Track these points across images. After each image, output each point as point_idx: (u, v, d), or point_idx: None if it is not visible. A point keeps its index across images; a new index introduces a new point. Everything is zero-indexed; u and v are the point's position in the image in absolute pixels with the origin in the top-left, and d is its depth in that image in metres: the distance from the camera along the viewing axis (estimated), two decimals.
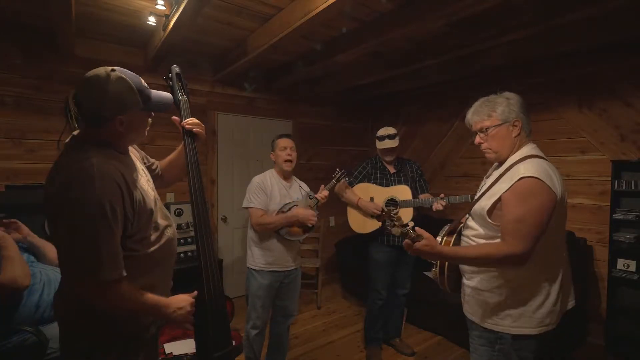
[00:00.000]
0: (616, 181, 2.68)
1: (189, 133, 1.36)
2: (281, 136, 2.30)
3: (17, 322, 1.55)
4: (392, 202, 2.59)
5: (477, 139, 1.39)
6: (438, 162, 4.14)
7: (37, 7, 2.32)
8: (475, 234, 1.37)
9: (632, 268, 2.60)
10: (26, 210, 2.31)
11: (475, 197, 1.43)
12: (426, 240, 1.23)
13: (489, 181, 1.40)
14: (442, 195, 2.41)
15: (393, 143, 2.61)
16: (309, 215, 2.18)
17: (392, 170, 2.71)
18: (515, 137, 1.33)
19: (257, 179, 2.24)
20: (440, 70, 3.23)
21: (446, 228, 1.55)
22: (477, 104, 1.41)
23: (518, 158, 1.29)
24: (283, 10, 2.25)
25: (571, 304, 1.37)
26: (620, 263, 2.65)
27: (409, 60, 2.96)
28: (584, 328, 2.91)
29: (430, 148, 4.21)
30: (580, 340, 2.88)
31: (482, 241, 1.33)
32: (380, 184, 2.67)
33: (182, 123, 1.37)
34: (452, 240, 1.47)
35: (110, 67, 1.05)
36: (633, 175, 2.66)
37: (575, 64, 2.98)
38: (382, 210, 2.59)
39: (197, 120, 1.39)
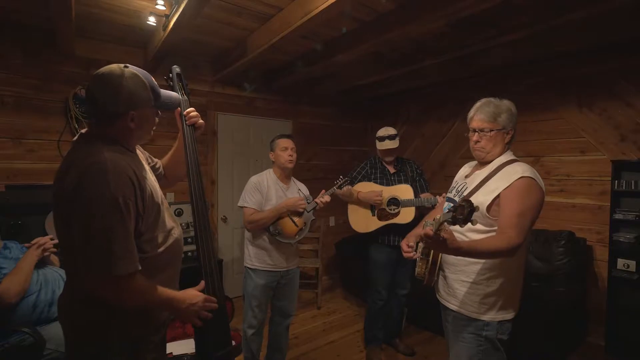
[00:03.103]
0: (616, 181, 2.68)
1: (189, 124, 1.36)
2: (282, 136, 2.28)
3: (14, 322, 1.55)
4: (393, 201, 2.59)
5: (475, 137, 1.49)
6: (438, 162, 4.14)
7: (37, 7, 2.32)
8: (467, 227, 1.37)
9: (632, 268, 2.60)
10: (26, 210, 2.32)
11: (456, 196, 1.53)
12: (448, 234, 1.22)
13: (473, 180, 1.51)
14: (443, 194, 2.41)
15: (393, 144, 2.61)
16: (296, 200, 2.16)
17: (392, 170, 2.70)
18: (506, 143, 1.48)
19: (254, 179, 2.24)
20: (440, 70, 3.23)
21: (429, 220, 1.55)
22: (483, 102, 1.49)
23: (505, 160, 1.45)
24: (283, 10, 2.26)
25: None
26: (620, 263, 2.65)
27: (409, 60, 2.96)
28: (584, 328, 2.91)
29: (430, 148, 4.21)
30: (580, 340, 2.88)
31: (476, 234, 1.43)
32: (381, 184, 2.67)
33: (184, 112, 1.36)
34: None
35: (123, 64, 1.06)
36: (633, 175, 2.66)
37: (575, 64, 2.97)
38: (383, 206, 2.60)
39: (196, 112, 1.39)
